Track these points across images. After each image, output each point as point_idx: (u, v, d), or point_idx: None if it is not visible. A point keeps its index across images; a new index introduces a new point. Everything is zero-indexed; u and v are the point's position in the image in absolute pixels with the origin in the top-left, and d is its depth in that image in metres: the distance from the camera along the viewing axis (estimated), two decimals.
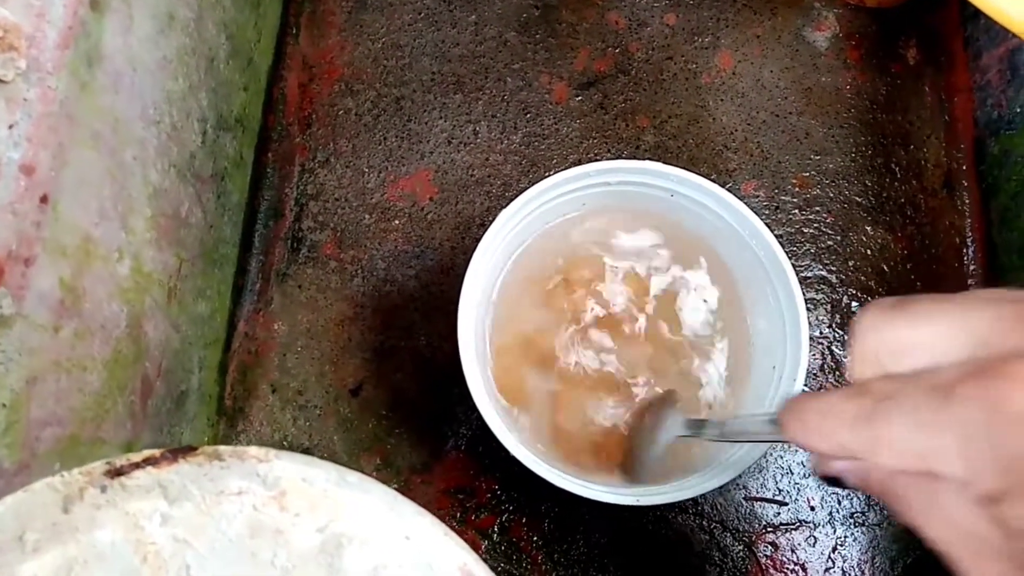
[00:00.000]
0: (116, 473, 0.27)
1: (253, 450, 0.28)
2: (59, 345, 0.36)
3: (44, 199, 0.35)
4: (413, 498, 0.28)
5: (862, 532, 0.53)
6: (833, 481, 0.27)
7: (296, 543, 0.27)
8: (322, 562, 0.27)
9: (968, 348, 0.22)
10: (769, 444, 0.43)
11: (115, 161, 0.40)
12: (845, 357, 0.56)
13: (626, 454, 0.46)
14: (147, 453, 0.28)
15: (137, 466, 0.28)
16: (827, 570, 0.52)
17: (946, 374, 0.22)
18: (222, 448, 0.28)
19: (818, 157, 0.61)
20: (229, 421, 0.55)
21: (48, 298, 0.35)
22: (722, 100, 0.62)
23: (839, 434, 0.24)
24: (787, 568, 0.52)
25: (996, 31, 0.60)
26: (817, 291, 0.58)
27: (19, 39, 0.33)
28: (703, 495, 0.53)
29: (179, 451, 0.28)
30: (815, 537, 0.53)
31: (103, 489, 0.27)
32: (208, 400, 0.53)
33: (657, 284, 0.50)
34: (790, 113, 0.62)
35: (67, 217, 0.36)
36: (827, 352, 0.57)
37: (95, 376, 0.39)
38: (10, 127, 0.33)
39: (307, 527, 0.27)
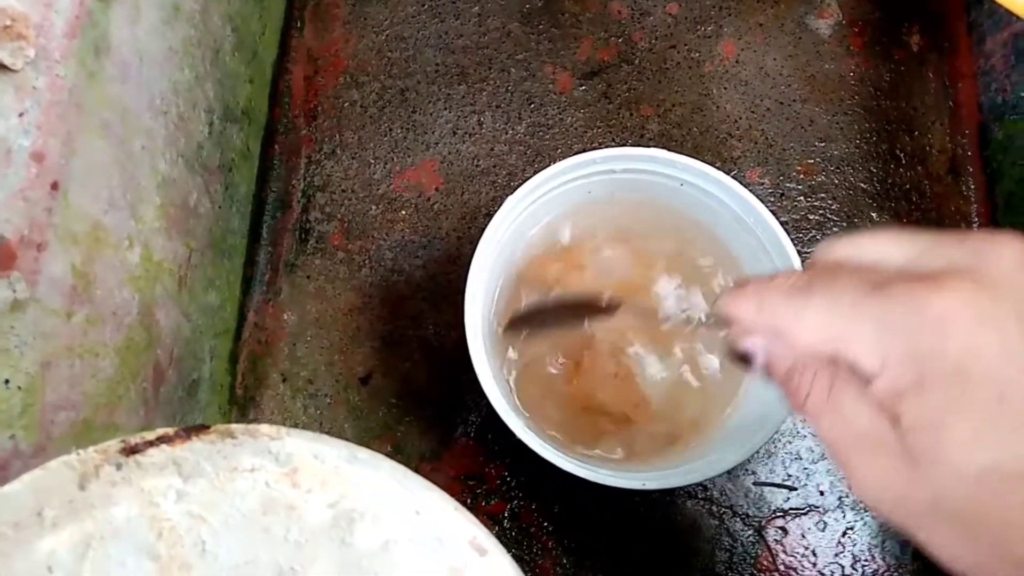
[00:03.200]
0: (131, 451, 0.28)
1: (265, 428, 0.28)
2: (72, 330, 0.36)
3: (55, 186, 0.35)
4: None
5: (872, 517, 0.53)
6: (742, 359, 0.28)
7: (308, 519, 0.27)
8: (334, 537, 0.27)
9: (903, 260, 0.25)
10: (775, 429, 0.43)
11: (124, 150, 0.40)
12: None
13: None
14: (161, 431, 0.28)
15: (151, 444, 0.28)
16: (837, 555, 0.52)
17: (884, 274, 0.24)
18: (234, 426, 0.28)
19: (823, 144, 0.61)
20: (241, 410, 0.55)
21: (60, 284, 0.35)
22: (726, 88, 0.62)
23: (772, 299, 0.26)
24: (797, 553, 0.52)
25: (1000, 15, 0.60)
26: None
27: (27, 28, 0.33)
28: (712, 480, 0.53)
29: (192, 429, 0.28)
30: (825, 522, 0.53)
31: (118, 467, 0.27)
32: (220, 389, 0.53)
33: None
34: (794, 101, 0.62)
35: (77, 204, 0.37)
36: None
37: (108, 362, 0.39)
38: (20, 115, 0.34)
39: (319, 503, 0.27)
